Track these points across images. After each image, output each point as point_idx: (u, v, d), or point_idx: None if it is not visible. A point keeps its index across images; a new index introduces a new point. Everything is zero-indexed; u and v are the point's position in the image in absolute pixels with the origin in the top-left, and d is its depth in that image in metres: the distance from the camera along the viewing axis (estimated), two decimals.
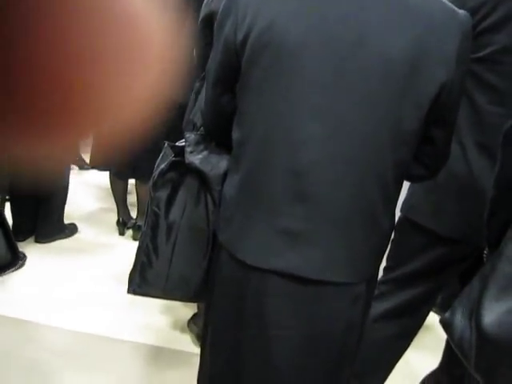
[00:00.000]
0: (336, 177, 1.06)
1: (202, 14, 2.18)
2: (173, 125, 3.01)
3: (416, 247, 1.74)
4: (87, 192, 4.13)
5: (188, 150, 1.33)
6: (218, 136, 1.31)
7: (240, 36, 1.08)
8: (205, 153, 1.33)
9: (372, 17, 1.02)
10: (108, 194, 3.69)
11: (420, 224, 1.69)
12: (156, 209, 1.36)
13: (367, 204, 1.09)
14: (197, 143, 1.34)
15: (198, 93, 2.29)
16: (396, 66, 1.01)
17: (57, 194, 3.27)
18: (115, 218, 3.55)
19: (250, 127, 1.13)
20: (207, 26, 2.16)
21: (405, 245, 1.77)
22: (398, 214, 1.29)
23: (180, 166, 1.34)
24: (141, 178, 3.28)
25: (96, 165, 3.33)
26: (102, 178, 3.70)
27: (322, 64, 1.03)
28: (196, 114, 2.24)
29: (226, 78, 1.18)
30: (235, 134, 1.19)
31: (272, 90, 1.07)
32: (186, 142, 1.34)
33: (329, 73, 1.03)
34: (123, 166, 3.22)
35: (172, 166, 1.34)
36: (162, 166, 1.35)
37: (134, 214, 3.55)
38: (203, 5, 2.18)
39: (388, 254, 1.76)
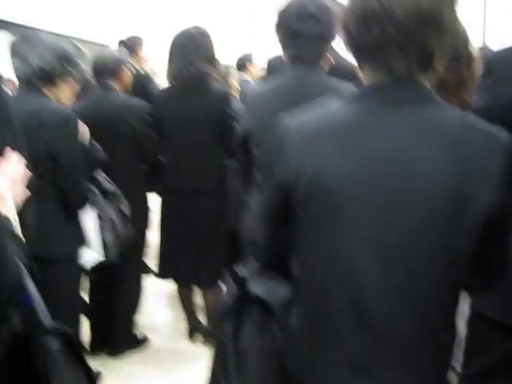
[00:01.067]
0: (395, 306, 1.08)
1: (240, 134, 2.34)
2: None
3: (490, 341, 1.70)
4: (153, 298, 4.21)
5: (250, 280, 1.38)
6: (276, 267, 1.36)
7: (290, 179, 1.15)
8: (266, 282, 1.37)
9: (417, 152, 1.06)
10: (175, 300, 3.77)
11: (491, 318, 1.66)
12: (224, 340, 1.40)
13: (429, 329, 1.10)
14: (257, 273, 1.39)
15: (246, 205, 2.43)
16: (443, 198, 1.04)
17: (130, 303, 3.36)
18: (184, 324, 3.59)
19: (308, 263, 1.18)
20: (244, 146, 2.30)
21: (478, 341, 1.74)
22: None
23: (244, 298, 1.38)
24: (204, 284, 3.34)
25: (161, 274, 3.41)
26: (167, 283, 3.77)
27: (370, 203, 1.08)
28: (246, 226, 2.35)
29: (280, 217, 1.24)
30: (294, 268, 1.23)
31: (325, 228, 1.12)
32: (247, 272, 1.40)
33: (378, 210, 1.07)
34: (186, 274, 3.29)
35: (237, 300, 1.39)
36: (227, 299, 1.40)
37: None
38: (241, 124, 2.34)
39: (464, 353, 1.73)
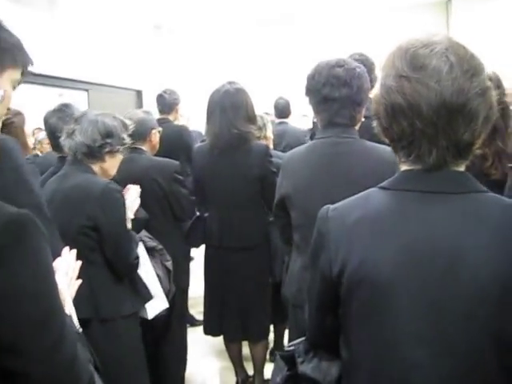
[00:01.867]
0: None
1: (276, 198, 2.35)
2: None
3: None
4: (200, 349, 4.22)
5: (299, 360, 1.39)
6: (324, 347, 1.37)
7: (335, 270, 1.16)
8: (315, 360, 1.37)
9: (462, 240, 1.06)
10: (222, 351, 3.78)
11: None
12: None
13: None
14: (306, 352, 1.39)
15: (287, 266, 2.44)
16: (490, 286, 1.03)
17: (177, 356, 3.38)
18: (233, 377, 3.59)
19: (355, 350, 1.18)
20: (282, 209, 2.32)
21: None
22: None
23: (294, 376, 1.40)
24: (252, 339, 3.34)
25: (208, 331, 3.43)
26: None
27: (416, 293, 1.07)
28: (288, 290, 2.37)
29: (327, 304, 1.25)
30: (343, 352, 1.24)
31: (371, 318, 1.13)
32: (295, 352, 1.41)
33: (425, 301, 1.07)
34: (234, 329, 3.29)
35: (287, 379, 1.41)
36: (278, 379, 1.42)
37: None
38: (276, 189, 2.36)
39: None
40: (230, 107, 3.05)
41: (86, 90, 8.07)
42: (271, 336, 3.57)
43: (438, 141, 1.08)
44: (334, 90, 2.13)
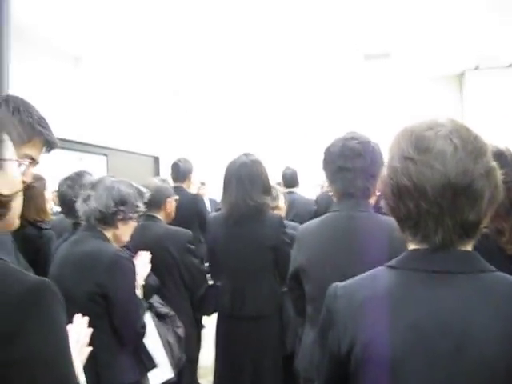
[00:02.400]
0: None
1: (290, 270, 2.36)
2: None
3: None
4: None
5: None
6: None
7: (344, 349, 1.17)
8: None
9: (469, 319, 1.07)
10: None
11: None
12: None
13: None
14: None
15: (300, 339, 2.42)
16: (501, 364, 1.03)
17: None
18: None
19: None
20: (296, 282, 2.34)
21: None
22: None
23: None
24: None
25: None
26: None
27: (424, 372, 1.07)
28: (300, 363, 2.35)
29: (335, 382, 1.25)
30: None
31: None
32: None
33: (432, 379, 1.06)
34: None
35: None
36: None
37: None
38: (291, 260, 2.36)
39: None
40: (246, 178, 3.11)
41: (106, 155, 8.25)
42: None
43: (443, 221, 1.10)
44: (348, 161, 2.18)
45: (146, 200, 2.66)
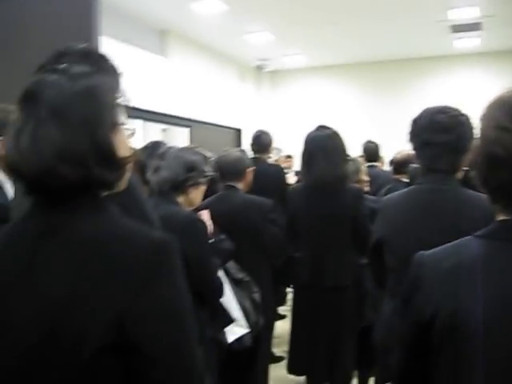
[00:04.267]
0: None
1: (372, 242, 2.35)
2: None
3: None
4: None
5: None
6: None
7: (428, 315, 1.15)
8: None
9: None
10: None
11: None
12: None
13: None
14: None
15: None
16: None
17: None
18: None
19: None
20: (377, 253, 2.32)
21: None
22: None
23: None
24: (335, 382, 3.28)
25: (293, 370, 3.43)
26: None
27: (509, 347, 1.05)
28: (377, 334, 2.34)
29: (416, 348, 1.23)
30: None
31: (462, 368, 1.10)
32: None
33: None
34: (319, 371, 3.27)
35: None
36: None
37: None
38: (373, 231, 2.35)
39: None
40: (332, 150, 3.17)
41: (189, 127, 8.41)
42: (355, 382, 3.51)
43: None
44: (434, 135, 2.12)
45: (209, 164, 2.74)
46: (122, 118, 1.09)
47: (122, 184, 1.12)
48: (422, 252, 1.25)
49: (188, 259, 2.40)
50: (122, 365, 0.96)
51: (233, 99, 9.52)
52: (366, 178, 3.90)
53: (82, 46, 1.08)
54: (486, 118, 1.16)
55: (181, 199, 2.61)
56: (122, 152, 1.07)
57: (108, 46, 3.10)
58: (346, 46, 9.37)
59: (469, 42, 9.32)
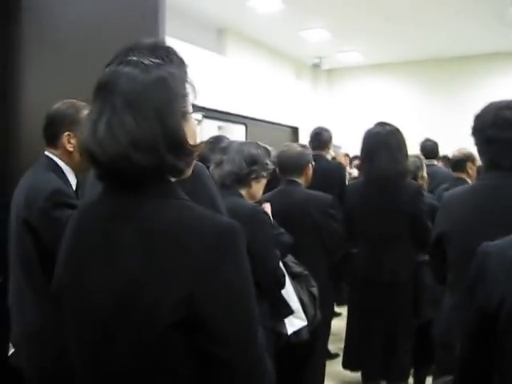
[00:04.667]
0: None
1: (433, 236, 2.34)
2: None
3: None
4: None
5: None
6: None
7: (494, 304, 1.15)
8: None
9: None
10: None
11: None
12: None
13: None
14: None
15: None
16: None
17: None
18: None
19: None
20: (438, 247, 2.31)
21: None
22: None
23: None
24: (391, 379, 3.28)
25: (348, 365, 3.44)
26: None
27: None
28: (437, 329, 2.33)
29: (481, 338, 1.24)
30: None
31: None
32: None
33: None
34: (374, 367, 3.27)
35: None
36: None
37: None
38: (435, 226, 2.36)
39: None
40: (395, 146, 3.18)
41: (245, 124, 8.48)
42: (411, 380, 3.50)
43: None
44: (499, 132, 2.07)
45: (271, 157, 2.76)
46: (190, 107, 1.14)
47: (189, 171, 1.17)
48: (487, 242, 1.26)
49: (252, 249, 2.46)
50: (190, 343, 1.01)
51: (289, 97, 9.53)
52: (426, 175, 3.87)
53: (150, 40, 1.13)
54: None
55: (243, 192, 2.65)
56: (192, 140, 1.11)
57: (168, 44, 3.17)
58: (403, 43, 9.26)
59: None
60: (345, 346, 3.42)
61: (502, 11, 7.66)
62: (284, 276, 2.65)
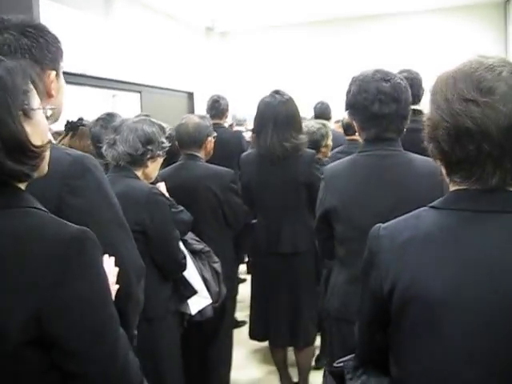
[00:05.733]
0: None
1: (318, 213, 2.32)
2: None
3: None
4: (245, 353, 4.27)
5: (347, 377, 1.39)
6: (373, 365, 1.36)
7: (386, 288, 1.17)
8: (364, 377, 1.36)
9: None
10: (267, 355, 3.83)
11: None
12: None
13: None
14: (355, 368, 1.40)
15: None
16: None
17: (222, 360, 3.40)
18: (278, 382, 3.60)
19: (406, 366, 1.18)
20: (325, 223, 2.30)
21: None
22: None
23: None
24: (298, 345, 3.35)
25: (254, 336, 3.46)
26: None
27: (469, 313, 1.07)
28: (331, 303, 2.35)
29: (377, 322, 1.26)
30: (392, 369, 1.24)
31: (422, 336, 1.13)
32: (344, 368, 1.43)
33: (477, 320, 1.07)
34: (280, 335, 3.31)
35: None
36: None
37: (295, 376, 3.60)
38: (318, 203, 2.33)
39: None
40: (282, 121, 3.11)
41: (139, 92, 8.23)
42: (317, 342, 3.59)
43: (503, 163, 1.09)
44: (384, 107, 2.09)
45: (167, 134, 2.69)
46: (36, 102, 1.06)
47: (42, 170, 1.11)
48: (378, 225, 1.26)
49: (150, 234, 2.40)
50: (47, 359, 1.00)
51: (183, 62, 9.32)
52: (331, 143, 3.88)
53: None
54: (445, 90, 1.14)
55: (139, 173, 2.56)
56: (38, 138, 1.05)
57: (47, 10, 2.96)
58: (294, 4, 9.25)
59: None
60: (250, 318, 3.43)
61: None
62: (185, 257, 2.61)
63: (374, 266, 1.21)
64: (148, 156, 2.54)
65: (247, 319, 3.54)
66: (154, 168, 2.62)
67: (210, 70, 10.14)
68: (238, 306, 3.87)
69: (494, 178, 1.10)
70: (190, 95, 9.68)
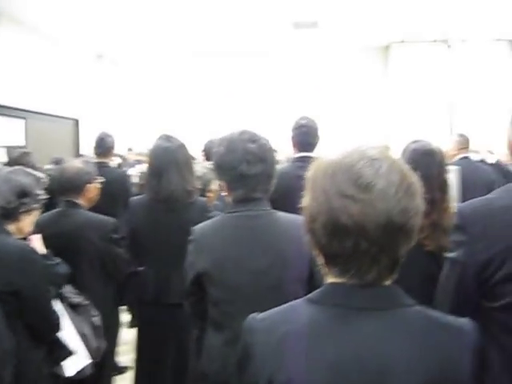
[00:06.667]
0: None
1: (189, 276, 2.23)
2: None
3: None
4: None
5: None
6: None
7: None
8: None
9: (390, 354, 1.07)
10: None
11: None
12: None
13: None
14: None
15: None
16: None
17: None
18: None
19: None
20: (196, 286, 2.20)
21: None
22: None
23: None
24: None
25: None
26: None
27: None
28: (208, 366, 2.28)
29: None
30: None
31: None
32: None
33: None
34: None
35: None
36: None
37: None
38: (188, 265, 2.24)
39: None
40: (182, 163, 3.05)
41: (24, 118, 7.89)
42: None
43: (380, 259, 1.08)
44: (251, 167, 2.10)
45: (44, 186, 2.57)
46: None
47: None
48: (252, 316, 1.23)
49: (22, 295, 2.25)
50: None
51: (71, 88, 9.04)
52: (216, 187, 3.86)
53: None
54: (323, 182, 1.12)
55: (12, 227, 2.39)
56: None
57: None
58: (187, 36, 9.26)
59: None
60: (135, 369, 3.28)
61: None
62: (58, 319, 2.46)
63: (249, 360, 1.17)
64: (22, 209, 2.38)
65: (131, 364, 3.40)
66: (28, 222, 2.46)
67: (97, 96, 9.91)
68: (123, 348, 3.75)
69: (371, 273, 1.09)
70: (76, 122, 9.40)
